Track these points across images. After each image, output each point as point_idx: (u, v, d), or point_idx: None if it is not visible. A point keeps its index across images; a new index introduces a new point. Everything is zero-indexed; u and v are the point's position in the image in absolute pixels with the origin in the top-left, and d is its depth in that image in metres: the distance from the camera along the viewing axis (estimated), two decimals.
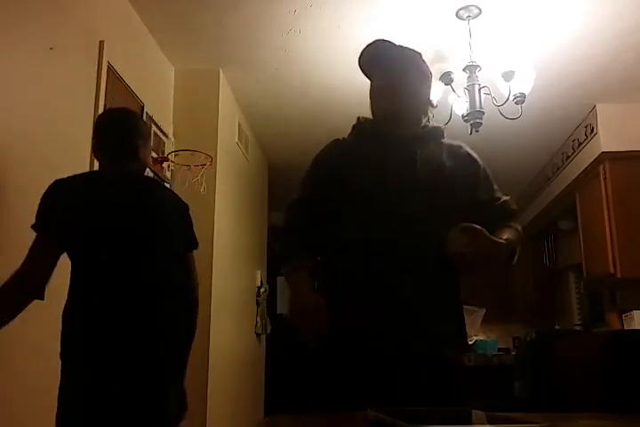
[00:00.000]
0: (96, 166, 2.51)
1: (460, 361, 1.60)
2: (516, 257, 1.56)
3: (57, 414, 1.71)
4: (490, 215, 1.60)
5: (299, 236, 1.63)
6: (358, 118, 1.71)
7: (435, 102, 1.79)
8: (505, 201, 1.69)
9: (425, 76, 1.70)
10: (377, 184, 1.57)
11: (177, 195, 2.07)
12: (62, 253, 1.77)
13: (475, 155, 1.71)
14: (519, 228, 1.64)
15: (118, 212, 1.81)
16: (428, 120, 1.72)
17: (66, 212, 1.76)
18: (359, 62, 1.66)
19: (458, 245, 1.38)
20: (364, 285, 1.51)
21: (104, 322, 1.75)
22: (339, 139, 1.71)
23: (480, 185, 1.65)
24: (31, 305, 1.75)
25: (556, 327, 5.57)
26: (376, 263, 1.50)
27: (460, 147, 1.72)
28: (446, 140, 1.71)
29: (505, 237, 1.50)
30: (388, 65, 1.63)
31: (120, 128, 1.96)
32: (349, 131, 1.75)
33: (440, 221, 1.47)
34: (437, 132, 1.71)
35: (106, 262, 1.77)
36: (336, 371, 1.50)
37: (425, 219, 1.53)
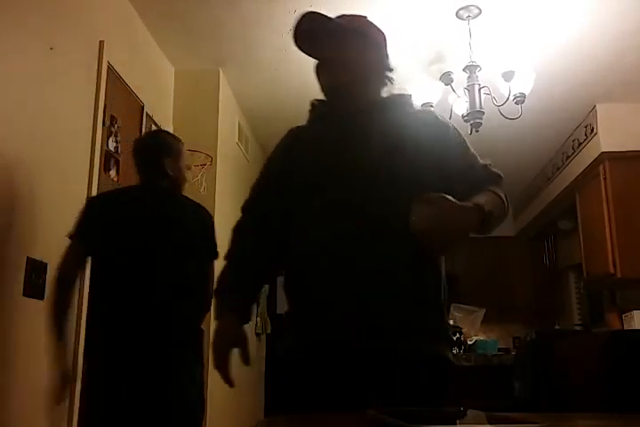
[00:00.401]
0: (96, 166, 2.52)
1: (438, 355, 1.35)
2: (494, 223, 1.34)
3: (82, 414, 1.91)
4: (467, 183, 1.40)
5: (238, 264, 1.47)
6: (311, 102, 1.55)
7: (392, 66, 1.51)
8: (484, 166, 1.48)
9: (370, 42, 1.50)
10: (325, 169, 1.41)
11: (203, 208, 2.23)
12: (88, 256, 2.04)
13: (445, 120, 1.50)
14: (500, 192, 1.42)
15: (141, 223, 2.05)
16: (390, 87, 1.53)
17: (96, 223, 2.02)
18: (294, 41, 1.50)
19: (418, 221, 1.17)
20: (323, 280, 1.35)
21: (128, 323, 1.95)
22: (292, 128, 1.57)
23: (452, 152, 1.43)
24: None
25: (556, 327, 5.57)
26: (336, 255, 1.34)
27: (428, 113, 1.54)
28: (414, 109, 1.53)
29: (475, 202, 1.27)
30: (321, 39, 1.47)
31: (148, 148, 2.22)
32: None
33: (402, 199, 1.24)
34: (398, 101, 1.51)
35: (127, 267, 2.00)
36: (298, 371, 1.37)
37: (383, 199, 1.35)
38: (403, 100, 1.52)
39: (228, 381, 1.36)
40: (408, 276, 1.33)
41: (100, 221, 2.03)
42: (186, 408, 2.00)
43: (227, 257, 1.50)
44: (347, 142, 1.43)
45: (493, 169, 1.50)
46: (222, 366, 1.36)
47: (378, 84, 1.51)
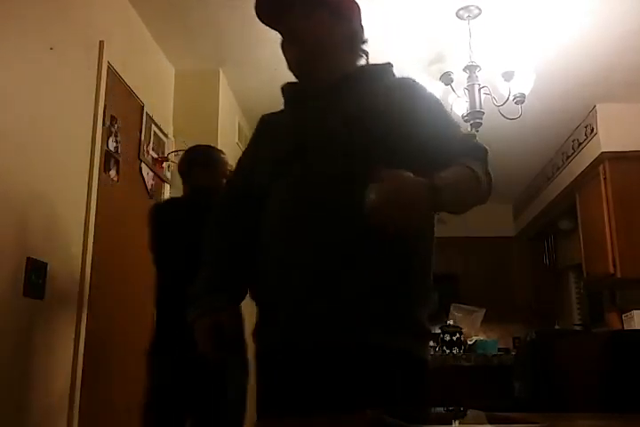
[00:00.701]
0: (96, 165, 2.52)
1: (394, 348, 1.17)
2: (455, 200, 1.17)
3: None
4: (442, 156, 1.23)
5: (215, 263, 1.37)
6: (281, 87, 1.47)
7: (365, 38, 1.40)
8: (465, 137, 1.32)
9: (338, 12, 1.38)
10: (282, 151, 1.31)
11: None
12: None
13: (420, 87, 1.34)
14: (477, 166, 1.22)
15: (180, 227, 2.24)
16: (366, 59, 1.41)
17: (151, 229, 2.33)
18: (256, 14, 1.41)
19: (367, 200, 1.03)
20: (275, 269, 1.25)
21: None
22: (264, 115, 1.49)
23: (423, 121, 1.27)
24: None
25: (556, 327, 5.57)
26: (290, 242, 1.23)
27: (404, 81, 1.36)
28: (393, 78, 1.39)
29: (433, 177, 1.08)
30: (283, 9, 1.36)
31: (186, 161, 2.48)
32: None
33: (360, 177, 1.08)
34: (372, 71, 1.39)
35: (178, 271, 2.13)
36: (257, 372, 1.30)
37: (339, 178, 1.22)
38: (377, 69, 1.40)
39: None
40: (363, 262, 1.19)
41: (152, 228, 2.34)
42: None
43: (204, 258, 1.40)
44: (309, 120, 1.33)
45: (476, 141, 1.32)
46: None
47: (350, 57, 1.40)
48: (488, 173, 1.25)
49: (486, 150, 1.30)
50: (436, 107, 1.33)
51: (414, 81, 1.35)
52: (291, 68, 1.41)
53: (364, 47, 1.42)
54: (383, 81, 1.36)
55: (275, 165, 1.32)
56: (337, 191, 1.22)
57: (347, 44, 1.40)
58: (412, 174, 1.06)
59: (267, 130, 1.45)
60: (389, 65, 1.41)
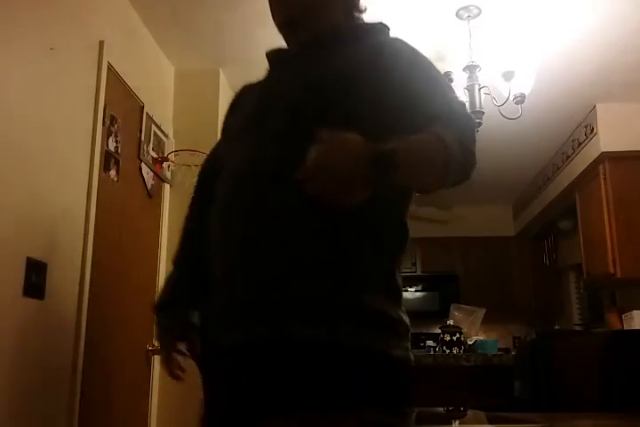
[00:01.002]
0: (96, 165, 2.52)
1: (326, 341, 0.95)
2: (412, 172, 0.95)
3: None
4: (417, 121, 1.04)
5: (182, 270, 1.27)
6: (265, 53, 1.37)
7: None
8: (448, 102, 1.12)
9: None
10: (241, 119, 1.21)
11: None
12: None
13: (409, 49, 1.18)
14: (449, 134, 0.99)
15: None
16: (358, 17, 1.30)
17: None
18: None
19: (304, 166, 0.89)
20: (213, 252, 1.11)
21: None
22: (243, 85, 1.41)
23: (397, 81, 1.10)
24: None
25: (556, 327, 5.58)
26: (223, 217, 1.10)
27: (392, 42, 1.20)
28: (382, 38, 1.23)
29: (385, 144, 0.91)
30: None
31: None
32: None
33: (306, 141, 0.92)
34: (359, 30, 1.26)
35: None
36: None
37: (285, 143, 1.07)
38: (364, 28, 1.26)
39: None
40: (287, 235, 1.01)
41: None
42: None
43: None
44: (273, 86, 1.23)
45: (460, 108, 1.13)
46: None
47: (344, 13, 1.27)
48: (465, 145, 1.03)
49: (470, 119, 1.13)
50: (420, 72, 1.15)
51: (403, 42, 1.20)
52: (278, 26, 1.31)
53: (362, 15, 1.29)
54: (370, 40, 1.21)
55: (231, 134, 1.23)
56: (277, 157, 1.06)
57: (339, 3, 1.28)
58: (359, 137, 0.90)
59: (239, 100, 1.37)
60: (382, 24, 1.27)
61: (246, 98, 1.31)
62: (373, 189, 0.90)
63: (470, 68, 3.12)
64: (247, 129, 1.18)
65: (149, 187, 3.13)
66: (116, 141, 2.76)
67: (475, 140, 1.08)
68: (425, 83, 1.12)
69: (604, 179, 4.11)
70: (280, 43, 1.40)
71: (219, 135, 1.43)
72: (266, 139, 1.11)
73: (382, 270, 1.05)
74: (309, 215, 0.99)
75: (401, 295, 1.07)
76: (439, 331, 3.84)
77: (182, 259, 1.29)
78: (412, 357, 1.04)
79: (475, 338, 4.09)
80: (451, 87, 1.20)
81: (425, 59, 1.18)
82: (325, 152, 0.88)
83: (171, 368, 1.20)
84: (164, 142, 3.37)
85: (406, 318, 1.06)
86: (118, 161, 2.78)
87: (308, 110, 1.08)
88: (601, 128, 4.17)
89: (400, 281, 1.07)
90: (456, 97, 1.17)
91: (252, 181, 1.08)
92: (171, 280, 1.30)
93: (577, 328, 5.36)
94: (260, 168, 1.07)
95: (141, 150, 3.05)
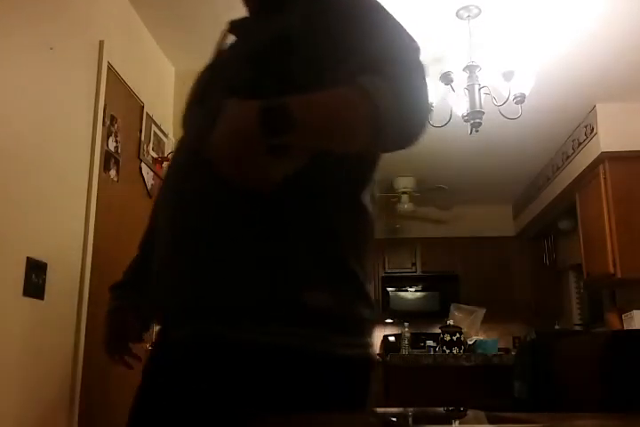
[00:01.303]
0: (96, 165, 2.52)
1: (240, 340, 0.84)
2: (301, 130, 0.76)
3: None
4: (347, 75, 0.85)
5: (141, 254, 1.25)
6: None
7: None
8: (380, 48, 0.96)
9: None
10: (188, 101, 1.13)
11: None
12: None
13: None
14: (373, 86, 0.81)
15: None
16: None
17: None
18: None
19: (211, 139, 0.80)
20: (158, 241, 1.02)
21: None
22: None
23: (335, 32, 0.96)
24: None
25: (556, 327, 5.57)
26: (163, 210, 1.02)
27: None
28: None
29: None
30: None
31: None
32: None
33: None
34: None
35: None
36: None
37: (213, 118, 0.85)
38: None
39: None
40: (222, 229, 0.89)
41: None
42: None
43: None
44: (220, 59, 1.17)
45: (405, 54, 0.97)
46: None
47: None
48: (405, 99, 0.84)
49: (417, 67, 0.92)
50: (356, 17, 1.01)
51: None
52: None
53: None
54: None
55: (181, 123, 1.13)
56: (200, 139, 0.91)
57: None
58: (257, 102, 0.76)
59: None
60: None
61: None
62: (291, 164, 0.78)
63: (470, 68, 3.12)
64: (189, 109, 1.11)
65: (149, 187, 3.13)
66: (116, 141, 2.76)
67: (422, 92, 0.88)
68: (360, 28, 0.98)
69: (604, 179, 4.11)
70: None
71: None
72: (199, 119, 1.01)
73: (331, 259, 0.90)
74: (236, 199, 0.87)
75: (362, 287, 0.92)
76: (439, 331, 3.84)
77: (143, 243, 1.28)
78: (370, 354, 0.92)
79: (475, 338, 4.10)
80: (399, 31, 1.05)
81: (367, 2, 1.05)
82: (218, 128, 0.77)
83: (126, 353, 1.19)
84: (163, 142, 3.37)
85: (367, 312, 0.92)
86: (118, 161, 2.78)
87: (240, 82, 0.97)
88: (601, 128, 4.17)
89: (361, 270, 0.92)
90: (404, 41, 1.02)
91: (181, 166, 0.99)
92: (131, 263, 1.28)
93: (577, 328, 5.36)
94: (188, 151, 0.99)
95: (141, 150, 3.05)
